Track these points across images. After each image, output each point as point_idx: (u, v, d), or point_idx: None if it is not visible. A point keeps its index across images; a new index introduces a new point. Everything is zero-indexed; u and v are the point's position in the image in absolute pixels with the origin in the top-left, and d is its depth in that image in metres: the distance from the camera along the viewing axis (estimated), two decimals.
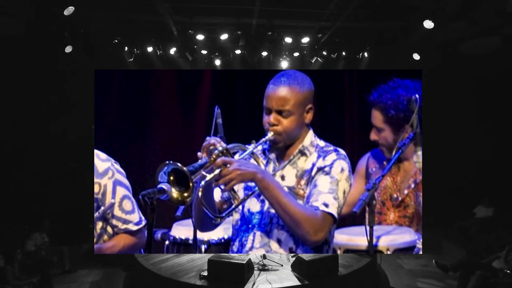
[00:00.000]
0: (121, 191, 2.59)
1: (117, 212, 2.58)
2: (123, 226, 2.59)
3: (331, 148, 2.39)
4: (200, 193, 2.12)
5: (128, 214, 2.60)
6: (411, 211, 3.42)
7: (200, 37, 6.40)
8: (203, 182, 2.11)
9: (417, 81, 3.48)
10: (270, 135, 2.34)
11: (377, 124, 3.56)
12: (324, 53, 6.79)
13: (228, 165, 2.11)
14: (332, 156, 2.33)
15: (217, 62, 7.11)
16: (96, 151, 2.67)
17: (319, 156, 2.36)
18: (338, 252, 3.35)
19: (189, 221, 4.02)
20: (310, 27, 6.53)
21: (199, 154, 2.17)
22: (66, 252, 5.29)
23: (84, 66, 6.30)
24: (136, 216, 2.65)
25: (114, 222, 2.59)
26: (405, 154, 3.63)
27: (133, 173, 4.31)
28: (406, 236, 3.27)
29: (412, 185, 3.51)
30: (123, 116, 4.96)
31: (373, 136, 3.59)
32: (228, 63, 7.19)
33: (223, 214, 2.25)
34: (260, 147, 2.46)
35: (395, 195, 3.46)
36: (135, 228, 2.62)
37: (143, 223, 2.64)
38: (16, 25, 5.46)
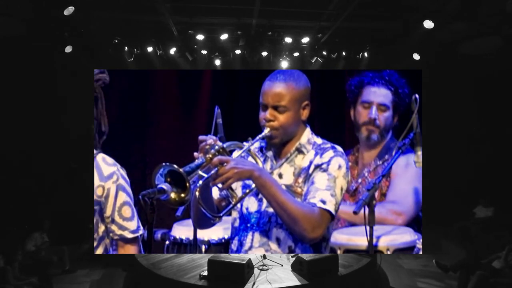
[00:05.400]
0: (122, 197, 2.56)
1: (115, 217, 2.56)
2: (119, 232, 2.55)
3: (328, 145, 2.39)
4: (197, 193, 2.11)
5: (126, 221, 2.56)
6: None
7: (200, 37, 6.40)
8: (200, 182, 2.11)
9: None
10: (266, 131, 2.34)
11: (385, 101, 3.59)
12: (324, 53, 6.79)
13: (225, 164, 2.11)
14: (329, 153, 2.33)
15: (217, 62, 7.11)
16: (103, 155, 2.65)
17: (316, 154, 2.36)
18: (338, 252, 3.35)
19: (189, 221, 4.02)
20: (310, 27, 6.53)
21: (195, 154, 2.18)
22: (66, 252, 5.29)
23: (84, 66, 6.30)
24: (134, 224, 2.59)
25: (112, 227, 2.57)
26: (364, 146, 3.71)
27: (132, 174, 4.30)
28: (406, 236, 3.28)
29: (366, 174, 3.65)
30: (123, 116, 4.95)
31: (374, 114, 3.61)
32: (228, 63, 7.19)
33: (221, 214, 2.25)
34: (257, 144, 2.45)
35: (350, 187, 3.62)
36: (130, 236, 2.56)
37: (140, 232, 2.59)
38: (16, 25, 5.46)
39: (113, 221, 2.55)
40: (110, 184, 2.54)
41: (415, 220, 3.50)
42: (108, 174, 2.56)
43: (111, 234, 2.57)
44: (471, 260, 4.53)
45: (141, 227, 2.62)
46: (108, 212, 2.55)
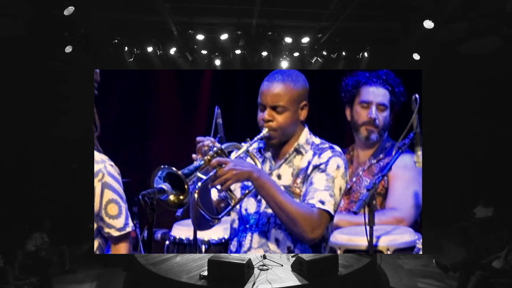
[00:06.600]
0: (108, 194, 2.50)
1: (102, 215, 2.53)
2: (106, 230, 2.51)
3: (327, 145, 2.38)
4: (196, 195, 2.11)
5: (112, 219, 2.50)
6: (357, 196, 3.57)
7: (200, 37, 6.40)
8: (199, 184, 2.10)
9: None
10: (265, 131, 2.34)
11: (383, 100, 3.59)
12: (324, 53, 6.80)
13: (223, 165, 2.10)
14: (328, 153, 2.32)
15: (217, 62, 7.11)
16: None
17: (314, 154, 2.35)
18: (338, 252, 3.35)
19: (189, 221, 4.02)
20: (310, 27, 6.53)
21: (193, 156, 2.17)
22: (66, 252, 5.29)
23: (84, 66, 6.30)
24: (121, 221, 2.52)
25: (101, 225, 2.56)
26: (360, 146, 3.71)
27: (132, 174, 4.31)
28: (406, 236, 3.28)
29: (360, 173, 3.65)
30: (123, 116, 4.95)
31: (374, 114, 3.60)
32: (228, 63, 7.19)
33: (220, 216, 2.24)
34: (255, 145, 2.44)
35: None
36: (116, 233, 2.51)
37: (127, 229, 2.53)
38: (16, 25, 5.47)
39: (101, 219, 2.52)
40: (96, 183, 2.52)
41: (415, 223, 3.51)
42: (94, 172, 2.54)
43: (102, 232, 2.56)
44: (471, 260, 4.54)
45: (130, 224, 2.56)
46: (96, 211, 2.54)
